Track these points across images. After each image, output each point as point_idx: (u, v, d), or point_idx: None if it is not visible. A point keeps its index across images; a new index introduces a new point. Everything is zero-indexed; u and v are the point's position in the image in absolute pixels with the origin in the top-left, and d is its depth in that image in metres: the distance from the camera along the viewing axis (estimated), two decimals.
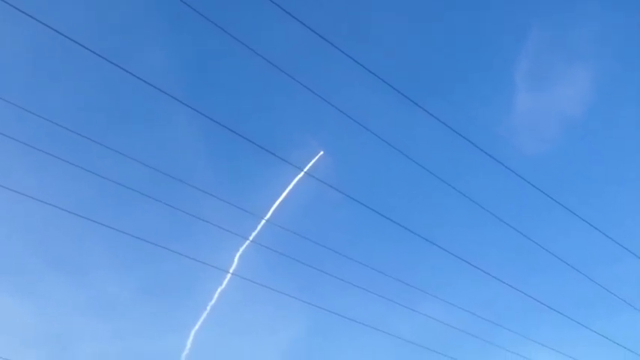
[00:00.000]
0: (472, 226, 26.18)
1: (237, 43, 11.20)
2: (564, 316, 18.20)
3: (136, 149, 14.06)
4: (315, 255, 15.69)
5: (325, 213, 25.24)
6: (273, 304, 22.74)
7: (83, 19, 20.06)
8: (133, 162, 12.99)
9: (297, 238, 15.20)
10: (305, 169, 15.66)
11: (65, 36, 9.87)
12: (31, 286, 22.88)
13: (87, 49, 10.13)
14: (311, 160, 16.66)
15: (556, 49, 25.75)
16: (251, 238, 16.25)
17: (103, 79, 20.30)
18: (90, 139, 12.59)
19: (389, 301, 17.23)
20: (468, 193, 15.01)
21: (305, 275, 16.94)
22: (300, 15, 10.91)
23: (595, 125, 27.56)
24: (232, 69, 24.07)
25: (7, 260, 21.75)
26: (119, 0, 21.35)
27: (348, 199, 14.28)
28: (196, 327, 18.69)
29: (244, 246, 17.16)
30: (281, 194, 17.57)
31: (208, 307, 18.55)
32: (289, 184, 17.58)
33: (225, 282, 17.98)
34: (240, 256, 17.16)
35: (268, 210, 16.96)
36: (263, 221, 16.16)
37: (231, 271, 17.20)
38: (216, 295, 18.26)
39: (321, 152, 17.38)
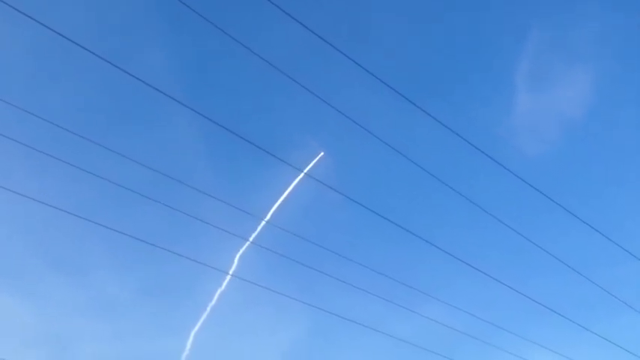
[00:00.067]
0: (472, 227, 26.19)
1: (237, 44, 11.22)
2: (564, 318, 18.20)
3: (136, 150, 14.07)
4: (315, 256, 15.70)
5: (325, 214, 25.26)
6: (273, 306, 22.75)
7: (83, 20, 20.09)
8: (132, 163, 13.00)
9: (297, 239, 15.20)
10: (305, 171, 15.66)
11: (65, 37, 9.88)
12: (32, 287, 22.91)
13: (87, 50, 10.15)
14: (311, 162, 16.68)
15: (556, 50, 25.78)
16: (251, 239, 16.27)
17: (103, 80, 20.33)
18: (90, 140, 12.61)
19: (389, 302, 17.24)
20: (467, 194, 15.02)
21: (305, 276, 16.95)
22: (300, 16, 10.93)
23: (595, 126, 27.59)
24: (232, 70, 24.10)
25: (8, 261, 21.78)
26: (119, 0, 21.39)
27: (348, 201, 14.29)
28: (196, 328, 18.70)
29: (244, 247, 17.17)
30: (281, 195, 17.58)
31: (208, 308, 18.56)
32: (289, 185, 17.59)
33: (225, 283, 17.98)
34: (240, 257, 17.17)
35: (268, 211, 16.97)
36: (263, 222, 16.17)
37: (231, 272, 17.20)
38: (216, 296, 18.26)
39: (322, 153, 17.40)
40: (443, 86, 26.69)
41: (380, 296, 16.97)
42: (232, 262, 17.14)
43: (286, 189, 17.59)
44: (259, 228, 16.01)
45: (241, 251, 17.14)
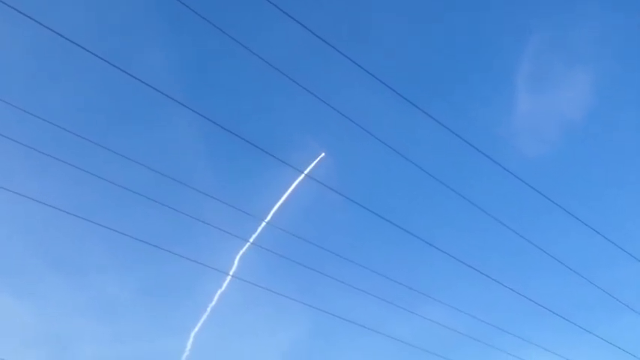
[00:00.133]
0: (473, 228, 26.18)
1: (238, 45, 11.19)
2: (565, 320, 18.16)
3: (136, 151, 14.05)
4: (315, 257, 15.67)
5: (326, 215, 25.25)
6: (273, 306, 22.74)
7: (83, 20, 20.10)
8: (132, 163, 12.97)
9: (297, 240, 15.17)
10: (305, 171, 15.64)
11: (65, 37, 9.86)
12: (32, 287, 22.92)
13: (87, 50, 10.13)
14: (311, 162, 16.66)
15: (556, 51, 25.78)
16: (251, 240, 16.25)
17: (103, 80, 20.34)
18: (90, 141, 12.58)
19: (389, 303, 17.21)
20: (468, 195, 15.00)
21: (305, 277, 16.92)
22: (300, 16, 10.90)
23: (595, 127, 27.58)
24: (232, 70, 24.11)
25: (8, 261, 21.79)
26: (119, 1, 21.39)
27: (348, 202, 14.27)
28: (196, 329, 18.68)
29: (245, 248, 17.15)
30: (281, 196, 17.56)
31: (208, 309, 18.54)
32: (290, 186, 17.57)
33: (225, 284, 17.96)
34: (241, 258, 17.14)
35: (269, 212, 16.96)
36: (263, 223, 16.14)
37: (231, 273, 17.17)
38: (216, 297, 18.25)
39: (322, 154, 17.38)
40: (443, 87, 26.72)
41: (380, 297, 16.96)
42: (232, 262, 17.14)
43: (287, 190, 17.58)
44: (259, 229, 16.00)
45: (242, 252, 17.13)
